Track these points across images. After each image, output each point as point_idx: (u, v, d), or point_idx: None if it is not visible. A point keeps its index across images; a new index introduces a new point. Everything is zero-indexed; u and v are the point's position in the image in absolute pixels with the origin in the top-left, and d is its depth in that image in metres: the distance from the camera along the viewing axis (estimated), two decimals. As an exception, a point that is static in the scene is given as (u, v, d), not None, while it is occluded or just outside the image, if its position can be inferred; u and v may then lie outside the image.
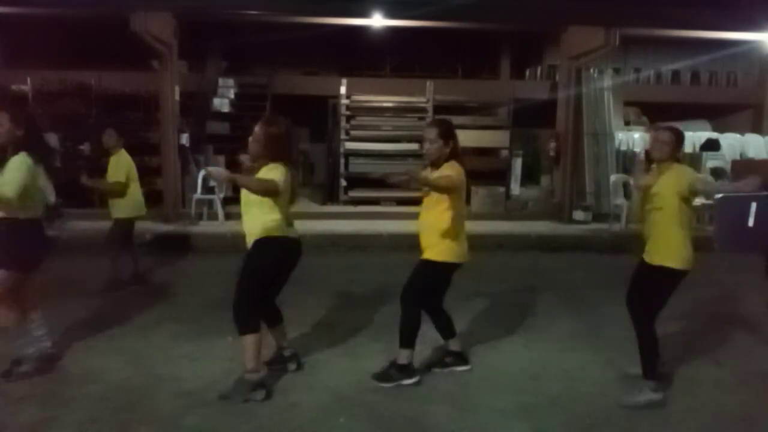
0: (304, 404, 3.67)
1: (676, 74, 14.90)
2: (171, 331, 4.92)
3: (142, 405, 3.63)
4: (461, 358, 4.27)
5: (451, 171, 3.77)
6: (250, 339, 3.68)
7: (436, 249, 3.87)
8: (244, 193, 3.72)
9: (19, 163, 3.71)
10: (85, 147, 10.87)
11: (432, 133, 3.86)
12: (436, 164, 3.89)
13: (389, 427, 3.46)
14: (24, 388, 3.81)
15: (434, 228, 3.85)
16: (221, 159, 11.06)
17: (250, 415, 3.52)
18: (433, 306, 4.11)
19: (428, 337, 4.25)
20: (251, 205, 3.72)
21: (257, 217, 3.71)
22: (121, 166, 6.07)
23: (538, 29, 12.16)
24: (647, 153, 4.55)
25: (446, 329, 4.22)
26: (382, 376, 3.97)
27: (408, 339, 3.93)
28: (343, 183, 11.61)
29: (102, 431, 3.35)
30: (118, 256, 6.19)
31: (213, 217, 9.82)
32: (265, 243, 3.71)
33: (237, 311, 3.69)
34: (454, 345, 4.26)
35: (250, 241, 3.75)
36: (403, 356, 3.94)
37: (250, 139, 3.79)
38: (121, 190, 6.05)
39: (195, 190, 9.98)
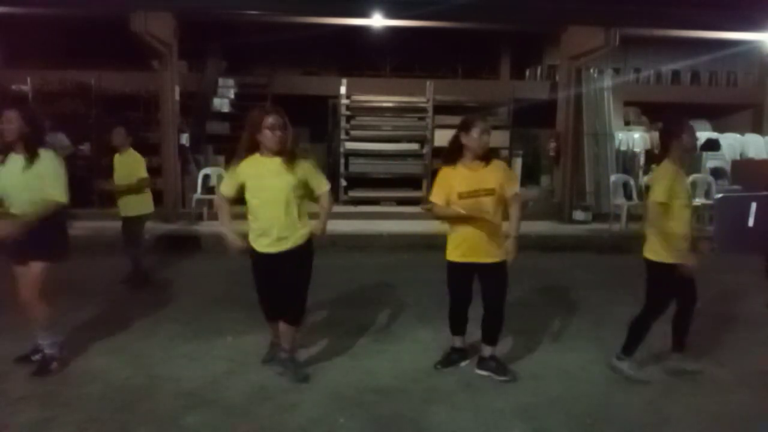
0: (304, 404, 3.67)
1: (676, 74, 14.89)
2: (171, 331, 4.92)
3: (142, 405, 3.63)
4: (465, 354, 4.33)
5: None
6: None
7: (504, 249, 3.95)
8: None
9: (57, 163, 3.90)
10: (85, 147, 10.86)
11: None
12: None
13: (389, 427, 3.46)
14: (24, 388, 3.81)
15: (500, 230, 3.95)
16: (221, 159, 11.08)
17: (250, 415, 3.52)
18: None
19: (429, 337, 4.24)
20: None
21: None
22: (138, 162, 6.17)
23: (538, 29, 12.16)
24: (648, 153, 4.60)
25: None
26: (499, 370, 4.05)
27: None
28: (343, 183, 11.61)
29: (102, 431, 3.35)
30: (136, 253, 6.29)
31: (213, 217, 9.80)
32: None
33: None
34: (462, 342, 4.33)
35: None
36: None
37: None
38: (148, 185, 6.21)
39: (195, 190, 9.98)
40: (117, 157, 6.22)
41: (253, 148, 3.74)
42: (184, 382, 3.93)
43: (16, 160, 3.85)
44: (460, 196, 3.83)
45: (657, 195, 3.84)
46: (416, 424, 3.48)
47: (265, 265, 3.83)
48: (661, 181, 3.86)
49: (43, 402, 3.63)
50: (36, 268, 3.90)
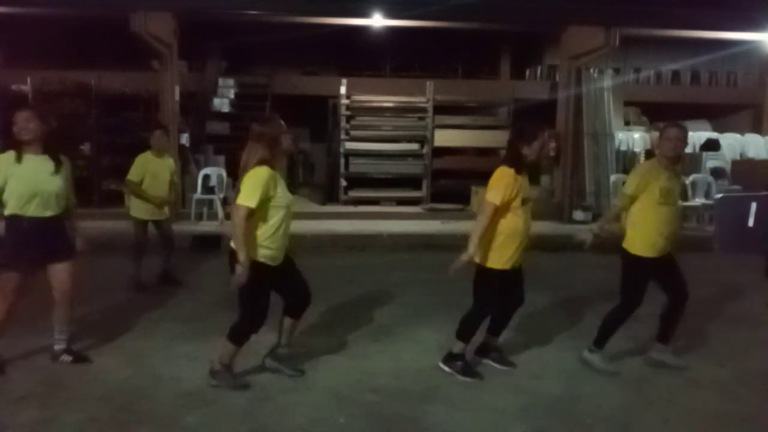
0: (304, 404, 3.67)
1: (676, 74, 14.88)
2: (171, 331, 4.92)
3: (142, 405, 3.63)
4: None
5: None
6: None
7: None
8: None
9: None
10: (85, 147, 10.86)
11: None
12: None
13: (389, 427, 3.46)
14: (24, 388, 3.80)
15: None
16: (221, 159, 11.08)
17: (250, 415, 3.52)
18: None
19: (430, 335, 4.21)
20: None
21: None
22: (174, 167, 6.48)
23: (538, 29, 12.16)
24: (649, 153, 4.69)
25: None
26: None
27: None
28: (343, 183, 11.61)
29: (102, 431, 3.35)
30: (170, 253, 6.56)
31: (213, 217, 9.82)
32: None
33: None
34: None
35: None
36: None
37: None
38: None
39: (195, 190, 9.98)
40: (151, 159, 6.18)
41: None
42: (184, 382, 3.93)
43: (40, 161, 3.88)
44: (524, 202, 3.89)
45: (625, 187, 4.15)
46: (416, 424, 3.48)
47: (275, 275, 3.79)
48: (632, 175, 4.11)
49: (43, 402, 3.63)
50: (71, 266, 4.05)
